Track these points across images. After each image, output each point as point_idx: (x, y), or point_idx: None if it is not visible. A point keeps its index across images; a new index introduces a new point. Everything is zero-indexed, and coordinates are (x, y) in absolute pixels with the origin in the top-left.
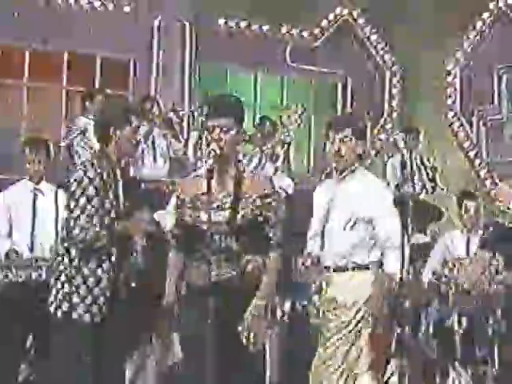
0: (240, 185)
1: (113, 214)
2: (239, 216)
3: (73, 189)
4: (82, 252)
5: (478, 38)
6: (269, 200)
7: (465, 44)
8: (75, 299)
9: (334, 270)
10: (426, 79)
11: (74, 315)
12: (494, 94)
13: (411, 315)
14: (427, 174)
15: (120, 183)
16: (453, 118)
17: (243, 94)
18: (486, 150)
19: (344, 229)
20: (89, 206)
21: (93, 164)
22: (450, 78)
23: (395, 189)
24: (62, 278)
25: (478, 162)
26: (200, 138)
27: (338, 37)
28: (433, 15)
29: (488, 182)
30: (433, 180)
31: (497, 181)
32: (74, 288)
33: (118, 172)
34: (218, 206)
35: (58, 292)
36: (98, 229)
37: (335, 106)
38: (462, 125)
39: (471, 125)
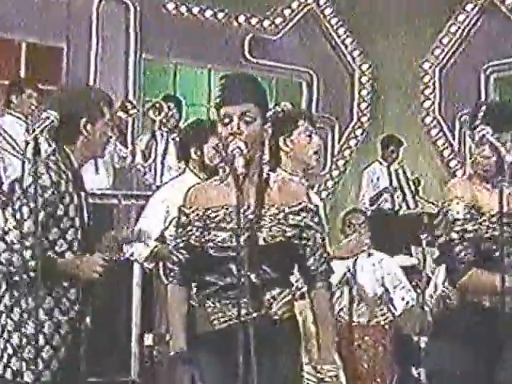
0: (264, 194)
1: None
2: (265, 237)
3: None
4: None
5: (460, 31)
6: (306, 215)
7: (445, 39)
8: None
9: None
10: (401, 79)
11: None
12: (480, 95)
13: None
14: (409, 187)
15: (83, 196)
16: (431, 123)
17: (194, 92)
18: (470, 159)
19: None
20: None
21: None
22: (426, 78)
23: (370, 201)
24: None
25: (460, 173)
26: (152, 142)
27: (303, 29)
28: (407, 6)
29: None
30: (416, 194)
31: None
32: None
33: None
34: (233, 224)
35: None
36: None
37: (299, 107)
38: (441, 131)
39: (453, 131)
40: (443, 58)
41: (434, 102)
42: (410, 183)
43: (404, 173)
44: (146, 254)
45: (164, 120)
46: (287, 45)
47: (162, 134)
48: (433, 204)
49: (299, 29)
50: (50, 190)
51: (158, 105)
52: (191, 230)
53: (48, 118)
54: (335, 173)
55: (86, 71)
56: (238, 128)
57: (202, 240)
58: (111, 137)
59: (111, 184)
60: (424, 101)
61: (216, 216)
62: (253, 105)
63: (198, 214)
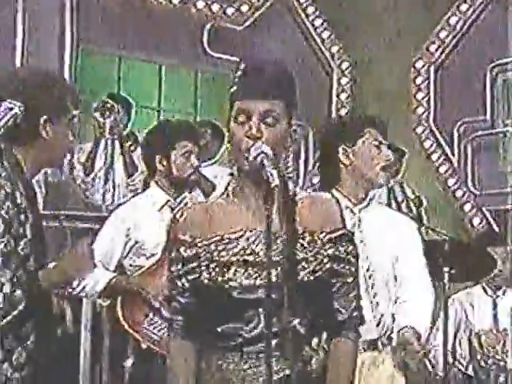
0: (294, 216)
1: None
2: (304, 272)
3: None
4: None
5: (461, 24)
6: (344, 245)
7: (442, 33)
8: None
9: None
10: (388, 81)
11: None
12: (485, 100)
13: None
14: (409, 208)
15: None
16: (424, 133)
17: (142, 92)
18: (473, 176)
19: None
20: None
21: None
22: (419, 80)
23: None
24: None
25: (460, 193)
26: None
27: (274, 18)
28: None
29: (476, 221)
30: (418, 216)
31: (488, 217)
32: None
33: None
34: (260, 258)
35: None
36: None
37: None
38: (437, 143)
39: (451, 143)
40: (440, 56)
41: (428, 109)
42: (411, 203)
43: (402, 191)
44: (100, 288)
45: (113, 124)
46: (254, 37)
47: (107, 142)
48: (434, 231)
49: (269, 19)
50: (6, 205)
51: (108, 105)
52: (200, 267)
53: (11, 109)
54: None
55: (9, 53)
56: (258, 130)
57: (219, 279)
58: (72, 141)
59: (41, 202)
60: (416, 107)
61: (235, 246)
62: (279, 102)
63: (207, 245)
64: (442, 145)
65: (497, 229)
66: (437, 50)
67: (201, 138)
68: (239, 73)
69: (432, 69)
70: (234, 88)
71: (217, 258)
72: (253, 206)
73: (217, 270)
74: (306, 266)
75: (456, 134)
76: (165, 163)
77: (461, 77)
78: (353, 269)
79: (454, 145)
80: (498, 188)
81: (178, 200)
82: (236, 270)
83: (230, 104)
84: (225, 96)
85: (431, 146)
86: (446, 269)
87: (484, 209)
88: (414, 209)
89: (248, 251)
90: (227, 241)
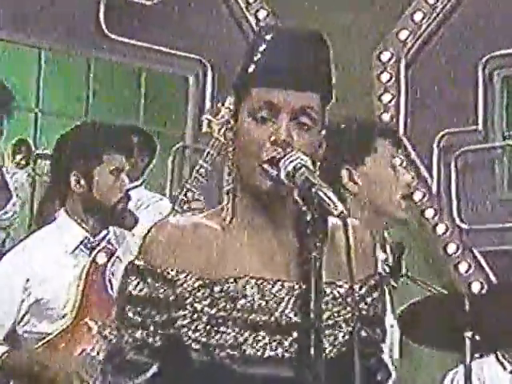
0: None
1: None
2: (335, 341)
3: None
4: None
5: (443, 3)
6: (379, 295)
7: (416, 16)
8: None
9: None
10: (346, 77)
11: None
12: (476, 105)
13: None
14: (385, 253)
15: None
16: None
17: (14, 85)
18: (459, 206)
19: None
20: None
21: None
22: (385, 77)
23: None
24: None
25: (441, 228)
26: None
27: None
28: None
29: (463, 267)
30: (398, 265)
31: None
32: None
33: None
34: (272, 318)
35: None
36: None
37: (184, 115)
38: (409, 161)
39: (430, 162)
40: (413, 45)
41: (396, 116)
42: (388, 249)
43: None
44: None
45: None
46: (166, 16)
47: None
48: (424, 285)
49: None
50: None
51: None
52: (182, 319)
53: None
54: None
55: None
56: (289, 133)
57: (210, 342)
58: None
59: None
60: (382, 112)
61: (236, 297)
62: (317, 95)
63: (194, 287)
64: (416, 164)
65: (494, 278)
66: (409, 37)
67: (133, 149)
68: (263, 46)
69: (403, 63)
70: (252, 68)
71: (208, 310)
72: (265, 241)
73: (207, 328)
74: (335, 332)
75: (436, 150)
76: (83, 183)
77: (442, 74)
78: (383, 327)
79: (432, 164)
80: (493, 222)
81: (99, 237)
82: (237, 333)
83: (238, 91)
84: (125, 92)
85: (402, 164)
86: (467, 334)
87: (475, 250)
88: (390, 256)
89: (255, 306)
90: (226, 287)
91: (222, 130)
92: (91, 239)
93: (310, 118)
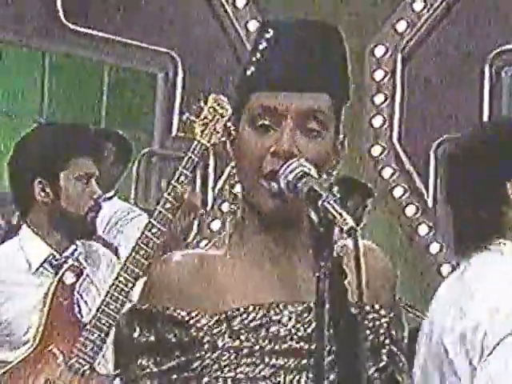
0: (343, 277)
1: None
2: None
3: None
4: None
5: None
6: (392, 315)
7: (416, 5)
8: None
9: None
10: None
11: None
12: (482, 107)
13: None
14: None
15: None
16: (382, 156)
17: None
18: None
19: None
20: None
21: None
22: (379, 75)
23: None
24: None
25: (435, 247)
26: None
27: None
28: None
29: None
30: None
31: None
32: None
33: None
34: (285, 345)
35: None
36: None
37: (151, 120)
38: (403, 171)
39: (426, 173)
40: (412, 39)
41: (391, 119)
42: None
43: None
44: None
45: None
46: (133, 4)
47: None
48: (414, 310)
49: None
50: None
51: None
52: (200, 359)
53: None
54: (215, 225)
55: None
56: (293, 142)
57: (240, 378)
58: None
59: None
60: (373, 115)
61: (250, 330)
62: (326, 95)
63: (209, 330)
64: (410, 174)
65: None
66: (406, 31)
67: (105, 154)
68: (263, 44)
69: (399, 58)
70: (251, 71)
71: (231, 345)
72: (278, 266)
73: (234, 362)
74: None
75: (433, 159)
76: (48, 191)
77: (444, 71)
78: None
79: (429, 175)
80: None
81: (66, 254)
82: (266, 363)
83: (238, 96)
84: (85, 90)
85: (393, 175)
86: None
87: None
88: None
89: (281, 333)
90: (245, 316)
91: (221, 143)
92: (57, 256)
93: (319, 123)
